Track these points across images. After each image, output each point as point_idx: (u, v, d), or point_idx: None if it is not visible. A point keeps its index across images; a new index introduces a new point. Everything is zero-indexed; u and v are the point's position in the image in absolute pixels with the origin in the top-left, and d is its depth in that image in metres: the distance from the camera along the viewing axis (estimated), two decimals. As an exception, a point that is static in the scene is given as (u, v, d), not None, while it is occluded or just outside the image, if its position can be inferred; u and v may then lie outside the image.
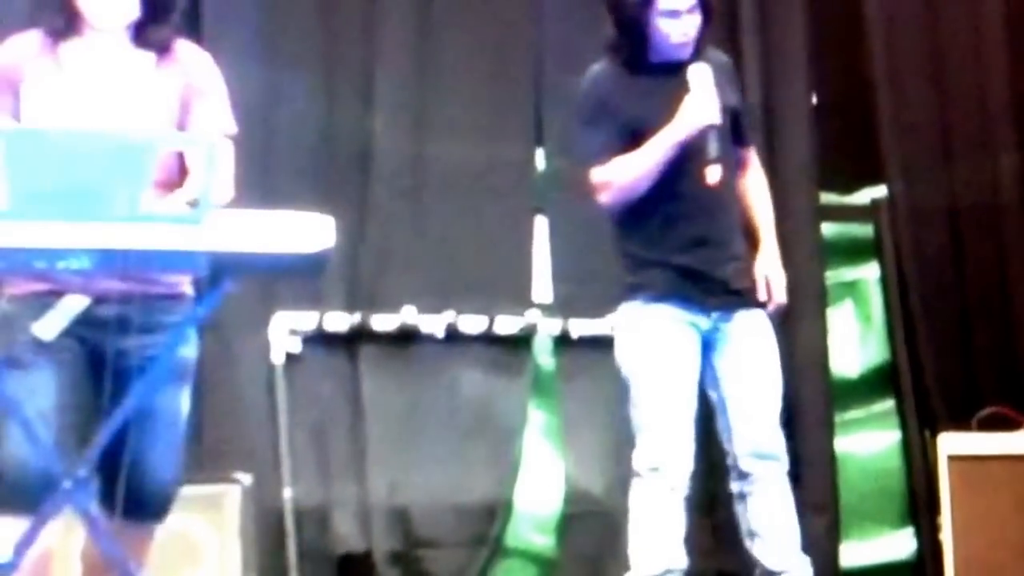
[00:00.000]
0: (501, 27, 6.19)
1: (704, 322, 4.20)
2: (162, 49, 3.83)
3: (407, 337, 5.87)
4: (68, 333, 3.69)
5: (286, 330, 5.71)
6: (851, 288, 6.58)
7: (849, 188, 6.52)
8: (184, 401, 3.83)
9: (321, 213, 3.50)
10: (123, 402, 3.64)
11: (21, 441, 3.58)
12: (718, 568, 5.86)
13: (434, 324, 5.88)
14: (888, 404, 6.30)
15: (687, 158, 4.17)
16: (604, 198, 4.23)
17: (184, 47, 3.88)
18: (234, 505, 5.00)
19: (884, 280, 6.35)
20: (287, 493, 5.58)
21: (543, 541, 6.04)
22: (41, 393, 3.64)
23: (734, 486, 4.27)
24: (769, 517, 4.22)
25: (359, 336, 5.83)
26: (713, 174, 4.07)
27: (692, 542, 6.00)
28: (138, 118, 3.73)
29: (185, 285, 3.85)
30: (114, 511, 3.73)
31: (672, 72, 4.23)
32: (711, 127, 4.12)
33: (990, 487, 5.43)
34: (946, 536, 5.46)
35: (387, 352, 5.86)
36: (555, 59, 6.18)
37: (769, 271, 4.29)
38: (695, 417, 4.23)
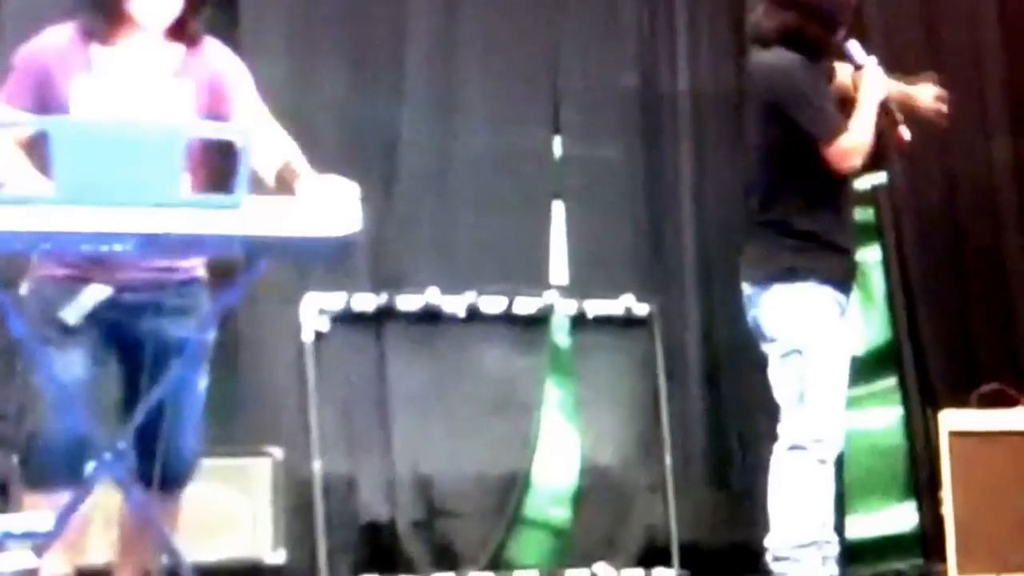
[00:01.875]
0: (521, 23, 6.23)
1: (846, 304, 4.27)
2: (192, 43, 3.85)
3: (431, 317, 5.90)
4: (93, 317, 3.72)
5: (315, 310, 5.73)
6: (854, 270, 6.64)
7: (851, 175, 6.58)
8: (203, 379, 3.88)
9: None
10: (156, 381, 3.68)
11: (53, 417, 3.64)
12: (731, 540, 5.93)
13: (456, 304, 5.91)
14: (891, 382, 6.30)
15: None
16: (855, 161, 4.24)
17: (208, 40, 3.90)
18: (266, 476, 5.06)
19: (886, 262, 6.34)
20: (316, 465, 5.59)
21: (559, 513, 6.05)
22: (71, 372, 3.67)
23: None
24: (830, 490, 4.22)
25: (385, 316, 5.87)
26: (906, 132, 4.22)
27: (705, 515, 6.13)
28: (170, 109, 3.75)
29: (199, 270, 3.89)
30: (148, 483, 3.77)
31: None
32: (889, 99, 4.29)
33: (989, 462, 5.41)
34: (947, 509, 5.42)
35: (411, 331, 5.90)
36: (571, 54, 6.25)
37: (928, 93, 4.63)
38: None
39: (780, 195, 4.24)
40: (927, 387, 6.28)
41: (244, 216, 3.47)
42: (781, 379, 4.17)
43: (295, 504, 5.38)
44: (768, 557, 4.11)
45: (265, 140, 3.76)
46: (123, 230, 3.40)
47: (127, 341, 3.76)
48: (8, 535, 3.38)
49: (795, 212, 4.23)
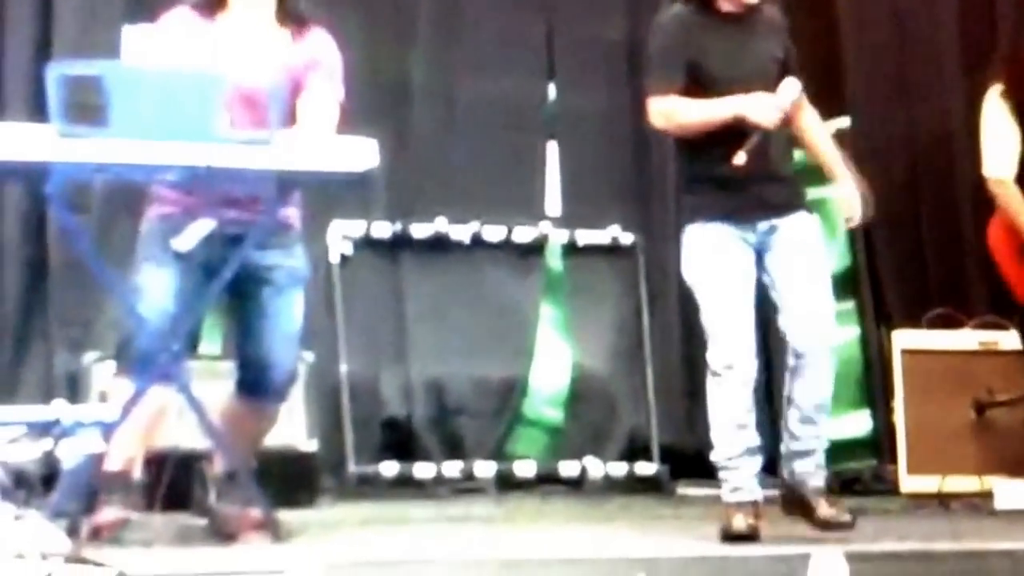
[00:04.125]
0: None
1: (752, 236, 4.03)
2: (299, 26, 4.02)
3: (440, 243, 5.96)
4: (200, 247, 3.89)
5: (340, 236, 5.83)
6: (819, 205, 6.39)
7: (818, 120, 6.57)
8: (297, 304, 4.04)
9: (367, 137, 3.76)
10: (251, 305, 3.93)
11: (145, 323, 3.83)
12: (705, 442, 6.00)
13: (462, 232, 5.99)
14: (849, 305, 6.24)
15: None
16: (658, 124, 4.07)
17: (316, 30, 4.07)
18: (300, 378, 4.82)
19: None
20: (343, 368, 5.68)
21: (553, 413, 6.10)
22: (170, 290, 3.87)
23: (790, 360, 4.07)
24: (814, 389, 4.04)
25: (400, 241, 5.95)
26: (738, 159, 3.89)
27: (681, 420, 6.12)
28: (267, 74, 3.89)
29: (294, 219, 4.07)
30: (249, 394, 4.03)
31: (736, 20, 4.08)
32: (760, 130, 3.95)
33: (936, 376, 5.48)
34: (898, 417, 5.52)
35: (423, 255, 5.96)
36: (564, 8, 6.25)
37: (849, 195, 4.16)
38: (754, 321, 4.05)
39: (678, 142, 4.16)
40: (882, 310, 6.29)
41: (275, 152, 3.68)
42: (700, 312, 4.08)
43: (325, 401, 5.44)
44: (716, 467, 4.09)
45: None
46: (169, 162, 3.63)
47: (221, 269, 3.88)
48: (80, 423, 3.54)
49: (688, 158, 4.11)
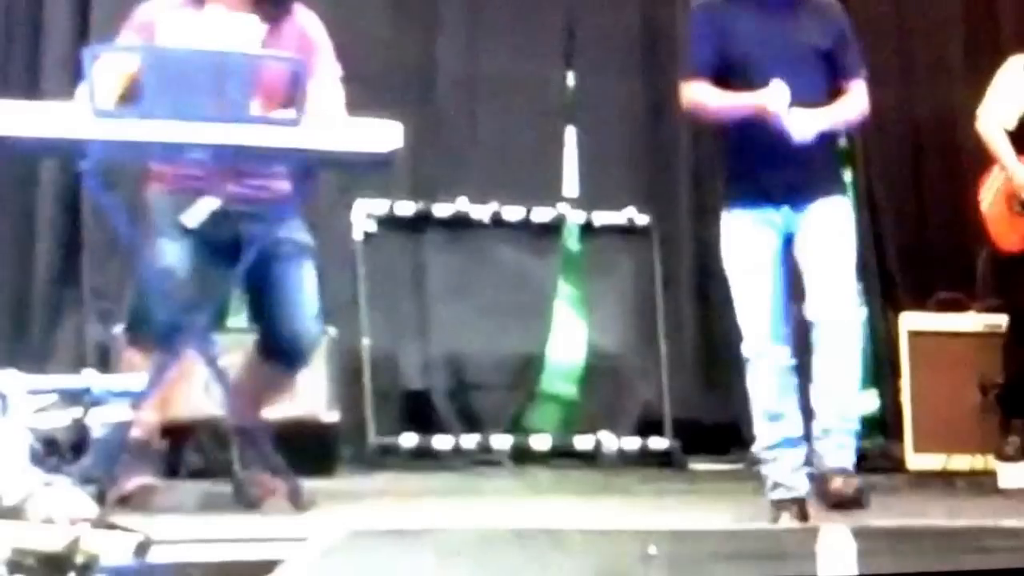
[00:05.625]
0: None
1: (782, 221, 3.87)
2: (282, 7, 3.97)
3: (461, 222, 5.97)
4: (207, 222, 3.90)
5: (364, 214, 5.81)
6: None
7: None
8: (308, 273, 4.02)
9: (392, 120, 3.74)
10: (259, 276, 3.90)
11: (156, 296, 3.86)
12: (715, 419, 5.99)
13: (482, 212, 5.98)
14: (858, 287, 5.90)
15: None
16: (686, 106, 3.97)
17: (299, 9, 4.03)
18: (322, 351, 4.88)
19: (855, 183, 6.25)
20: (364, 342, 5.67)
21: (568, 388, 6.08)
22: (182, 262, 3.88)
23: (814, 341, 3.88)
24: (836, 370, 3.86)
25: (422, 220, 5.96)
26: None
27: (693, 397, 6.17)
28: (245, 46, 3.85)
29: (289, 192, 4.02)
30: (269, 359, 4.03)
31: (777, 8, 3.91)
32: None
33: (942, 357, 5.48)
34: (905, 397, 5.51)
35: (444, 234, 5.98)
36: None
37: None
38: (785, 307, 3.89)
39: (715, 127, 4.09)
40: (890, 292, 6.28)
41: (302, 133, 3.67)
42: None
43: (347, 374, 5.44)
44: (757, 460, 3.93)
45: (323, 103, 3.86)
46: (199, 141, 3.62)
47: (233, 244, 3.91)
48: (109, 392, 3.49)
49: (724, 143, 3.98)
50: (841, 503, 3.76)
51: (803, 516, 3.76)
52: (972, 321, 5.54)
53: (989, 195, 5.09)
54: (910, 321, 5.56)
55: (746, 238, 3.88)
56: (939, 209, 6.36)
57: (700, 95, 3.92)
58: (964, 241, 6.11)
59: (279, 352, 4.01)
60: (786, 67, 3.83)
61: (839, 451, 3.83)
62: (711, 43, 3.92)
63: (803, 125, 3.81)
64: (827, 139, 3.93)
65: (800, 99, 3.81)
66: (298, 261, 4.00)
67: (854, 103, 3.97)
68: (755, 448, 3.87)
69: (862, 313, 6.15)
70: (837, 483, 3.76)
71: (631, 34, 6.32)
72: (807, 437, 3.89)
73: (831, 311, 3.84)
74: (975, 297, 5.67)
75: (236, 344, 4.29)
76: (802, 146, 3.81)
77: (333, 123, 3.78)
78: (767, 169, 3.83)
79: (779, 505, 3.77)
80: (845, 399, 3.88)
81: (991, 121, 5.01)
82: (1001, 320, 5.23)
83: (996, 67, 5.14)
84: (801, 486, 3.80)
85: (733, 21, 3.91)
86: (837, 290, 3.86)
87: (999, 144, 4.99)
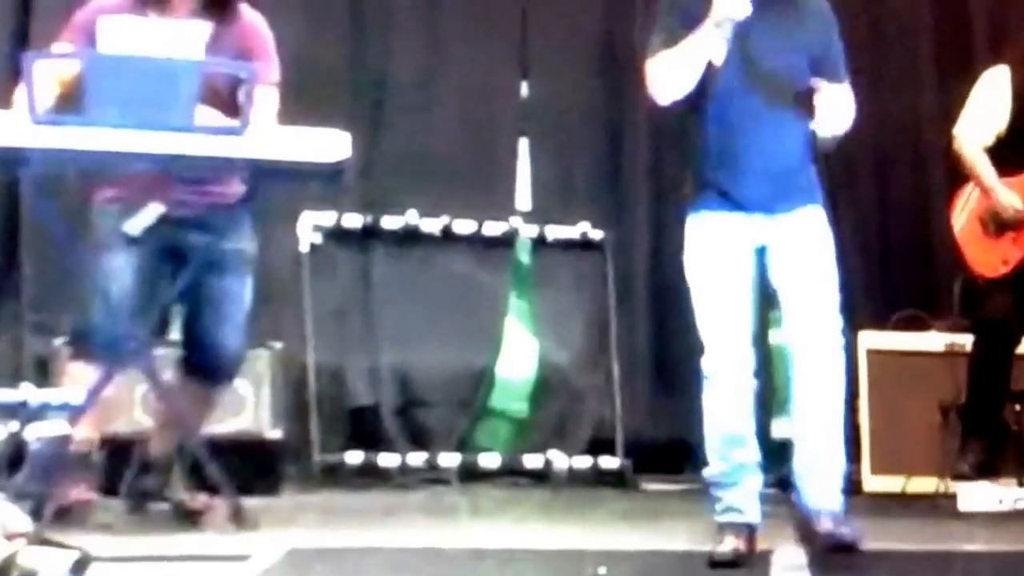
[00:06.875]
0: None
1: (753, 230, 3.62)
2: (226, 10, 3.97)
3: (410, 235, 5.94)
4: (150, 231, 3.90)
5: (311, 226, 5.78)
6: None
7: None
8: (247, 286, 4.01)
9: (340, 130, 3.74)
10: (198, 287, 3.88)
11: (101, 307, 3.84)
12: (668, 436, 5.96)
13: (433, 225, 5.96)
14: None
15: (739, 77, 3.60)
16: (655, 92, 3.64)
17: (245, 10, 4.02)
18: (267, 366, 5.04)
19: None
20: (310, 357, 5.65)
21: (518, 406, 6.04)
22: (125, 272, 3.86)
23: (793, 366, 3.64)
24: (814, 406, 3.60)
25: (370, 233, 5.93)
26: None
27: (645, 415, 6.14)
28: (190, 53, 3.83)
29: (238, 198, 4.01)
30: (191, 375, 4.01)
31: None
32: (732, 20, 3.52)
33: (902, 378, 5.45)
34: (863, 417, 5.45)
35: (393, 247, 5.96)
36: (539, 5, 6.20)
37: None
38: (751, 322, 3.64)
39: (683, 129, 3.77)
40: (849, 309, 6.08)
41: (249, 142, 3.66)
42: None
43: (292, 390, 5.43)
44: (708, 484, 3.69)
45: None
46: (143, 150, 3.60)
47: (177, 252, 3.91)
48: (47, 406, 3.57)
49: (691, 142, 3.71)
50: (836, 547, 3.54)
51: (750, 542, 3.58)
52: (933, 340, 5.51)
53: (963, 217, 5.02)
54: (869, 339, 5.52)
55: (712, 242, 3.63)
56: (902, 223, 6.35)
57: (659, 60, 3.61)
58: (926, 262, 6.18)
59: (200, 367, 4.00)
60: (762, 65, 3.63)
61: (826, 492, 3.61)
62: (678, 21, 3.61)
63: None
64: (805, 144, 3.73)
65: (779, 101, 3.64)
66: (237, 274, 3.99)
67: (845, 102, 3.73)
68: (708, 473, 3.65)
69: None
70: (827, 525, 3.56)
71: (588, 44, 6.32)
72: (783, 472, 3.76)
73: (813, 336, 3.60)
74: (937, 316, 5.65)
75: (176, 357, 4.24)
76: (779, 150, 3.64)
77: (280, 132, 3.77)
78: (740, 173, 3.61)
79: (726, 528, 3.58)
80: (831, 434, 3.62)
81: (970, 140, 4.93)
82: (964, 340, 5.16)
83: (966, 76, 5.10)
84: (753, 512, 3.62)
85: (700, 8, 3.59)
86: (819, 313, 3.61)
87: (980, 165, 4.91)
